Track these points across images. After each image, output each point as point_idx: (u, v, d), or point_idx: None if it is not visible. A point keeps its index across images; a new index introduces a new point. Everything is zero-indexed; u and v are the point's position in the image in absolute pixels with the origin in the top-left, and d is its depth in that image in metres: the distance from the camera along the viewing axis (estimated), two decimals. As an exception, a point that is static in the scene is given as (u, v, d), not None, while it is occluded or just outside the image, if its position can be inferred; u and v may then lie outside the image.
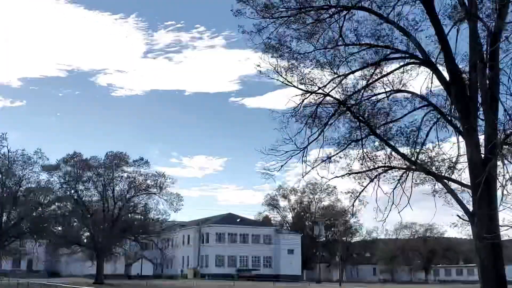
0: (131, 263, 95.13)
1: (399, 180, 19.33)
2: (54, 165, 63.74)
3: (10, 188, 58.35)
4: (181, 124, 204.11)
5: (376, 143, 19.24)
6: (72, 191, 65.42)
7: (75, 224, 66.73)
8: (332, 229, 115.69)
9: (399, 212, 18.96)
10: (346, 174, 19.56)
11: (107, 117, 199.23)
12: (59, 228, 65.18)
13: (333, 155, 18.75)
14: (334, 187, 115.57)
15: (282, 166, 18.51)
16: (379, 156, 19.72)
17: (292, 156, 18.23)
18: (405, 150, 19.02)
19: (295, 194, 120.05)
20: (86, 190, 66.21)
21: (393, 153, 18.99)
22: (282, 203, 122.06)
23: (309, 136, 18.40)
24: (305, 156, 18.26)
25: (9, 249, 61.48)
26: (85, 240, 67.10)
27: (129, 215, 67.37)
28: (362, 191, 19.53)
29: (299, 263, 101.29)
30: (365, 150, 19.05)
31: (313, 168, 18.44)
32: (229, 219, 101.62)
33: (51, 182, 63.68)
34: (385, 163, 19.50)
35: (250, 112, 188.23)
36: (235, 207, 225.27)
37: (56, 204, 61.81)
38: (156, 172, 67.68)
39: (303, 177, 18.45)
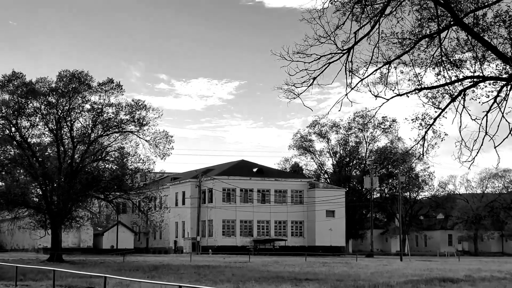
0: (101, 232, 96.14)
1: (495, 98, 18.18)
2: (-15, 92, 63.01)
3: None
4: (173, 33, 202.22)
5: (462, 39, 17.67)
6: (13, 129, 64.86)
7: (19, 177, 66.50)
8: (390, 180, 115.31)
9: (495, 147, 17.84)
10: (414, 90, 18.15)
11: (64, 24, 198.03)
12: (-4, 183, 65.22)
13: (394, 59, 17.14)
14: (394, 120, 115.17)
15: (314, 79, 17.01)
16: (465, 61, 18.24)
17: (329, 62, 16.66)
18: (507, 49, 17.48)
19: (337, 131, 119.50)
20: (32, 128, 65.60)
21: (488, 54, 17.53)
22: (319, 145, 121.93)
23: (356, 31, 16.74)
24: (350, 61, 16.68)
25: None
26: (35, 200, 67.02)
27: (95, 163, 66.97)
28: (439, 116, 18.17)
29: (342, 229, 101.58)
30: (444, 50, 17.51)
31: (362, 80, 16.90)
32: (242, 168, 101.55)
33: (-19, 117, 63.10)
34: (474, 72, 18.12)
35: (271, 13, 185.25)
36: (250, 152, 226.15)
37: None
38: (133, 101, 66.71)
39: (347, 94, 16.93)
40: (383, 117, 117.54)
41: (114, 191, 67.12)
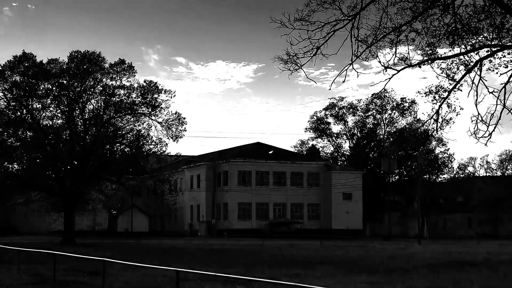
0: (116, 215, 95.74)
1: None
2: (-4, 73, 62.43)
3: None
4: (191, 17, 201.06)
5: (478, 5, 16.36)
6: (24, 111, 64.26)
7: (31, 159, 65.92)
8: (408, 163, 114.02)
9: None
10: (427, 60, 16.94)
11: (81, 6, 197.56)
12: (8, 165, 64.64)
13: (404, 24, 15.89)
14: (412, 101, 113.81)
15: (318, 48, 15.81)
16: (482, 29, 16.98)
17: (334, 30, 15.45)
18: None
19: (355, 113, 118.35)
20: (44, 110, 64.97)
21: (506, 20, 16.24)
22: (336, 127, 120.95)
23: (363, -5, 15.46)
24: (357, 28, 15.43)
25: None
26: (47, 183, 66.44)
27: (108, 146, 66.30)
28: (453, 88, 16.97)
29: (359, 212, 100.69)
30: (458, 17, 16.24)
31: (370, 46, 15.71)
32: (258, 151, 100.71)
33: (-8, 98, 62.57)
34: (491, 41, 16.86)
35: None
36: (266, 135, 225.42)
37: (0, 129, 60.93)
38: (145, 82, 65.85)
39: (352, 62, 15.75)
40: (401, 98, 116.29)
41: (126, 174, 66.56)
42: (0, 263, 35.07)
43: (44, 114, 65.44)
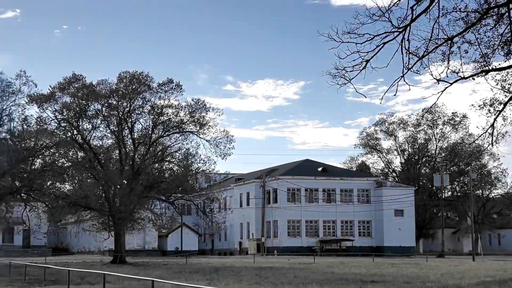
0: (165, 234, 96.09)
1: None
2: (47, 95, 63.30)
3: (-16, 129, 58.38)
4: (238, 35, 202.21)
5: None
6: (75, 131, 65.07)
7: (82, 179, 66.49)
8: (461, 178, 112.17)
9: None
10: (481, 72, 16.47)
11: (126, 26, 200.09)
12: (59, 186, 65.31)
13: (456, 35, 15.46)
14: (464, 115, 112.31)
15: (367, 61, 15.53)
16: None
17: (384, 42, 15.16)
18: None
19: (405, 128, 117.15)
20: (94, 130, 65.73)
21: None
22: (386, 143, 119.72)
23: (413, 6, 15.11)
24: (407, 39, 15.09)
25: (-7, 216, 62.29)
26: (97, 202, 66.93)
27: (156, 164, 66.63)
28: (509, 100, 16.41)
29: (412, 229, 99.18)
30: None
31: (421, 58, 15.31)
32: (307, 167, 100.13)
33: (44, 119, 63.40)
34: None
35: (338, 12, 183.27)
36: (316, 152, 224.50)
37: (51, 150, 61.61)
38: (192, 100, 66.12)
39: (403, 75, 15.36)
40: (453, 113, 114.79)
41: (175, 193, 66.74)
42: (53, 283, 35.44)
43: (94, 134, 66.33)
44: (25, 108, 59.83)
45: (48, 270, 39.81)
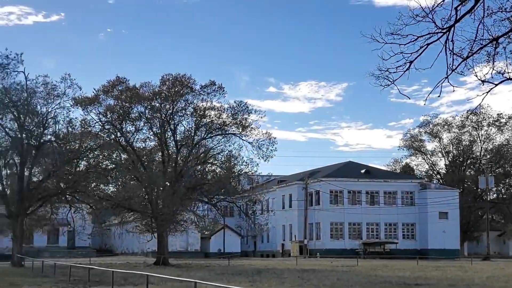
0: (208, 236, 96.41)
1: None
2: (91, 97, 64.05)
3: (31, 131, 59.15)
4: (280, 36, 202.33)
5: None
6: (118, 133, 65.68)
7: (125, 181, 67.00)
8: (507, 180, 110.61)
9: None
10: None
11: (169, 28, 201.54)
12: (103, 187, 65.92)
13: (501, 35, 15.20)
14: (509, 117, 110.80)
15: (411, 62, 15.41)
16: None
17: (427, 43, 15.05)
18: None
19: (450, 130, 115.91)
20: (137, 132, 66.30)
21: None
22: (430, 145, 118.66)
23: (458, 7, 14.96)
24: (451, 40, 14.96)
25: (38, 217, 63.16)
26: (142, 204, 67.39)
27: (199, 166, 66.87)
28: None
29: (456, 232, 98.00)
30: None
31: (465, 59, 15.12)
32: (350, 170, 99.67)
33: (88, 122, 64.15)
34: None
35: (381, 13, 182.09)
36: (359, 154, 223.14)
37: (96, 152, 62.22)
38: (235, 102, 66.22)
39: (447, 76, 15.20)
40: (498, 114, 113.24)
41: (217, 195, 66.90)
42: (97, 284, 35.84)
43: (137, 137, 66.95)
44: (69, 111, 60.42)
45: (93, 271, 40.23)
